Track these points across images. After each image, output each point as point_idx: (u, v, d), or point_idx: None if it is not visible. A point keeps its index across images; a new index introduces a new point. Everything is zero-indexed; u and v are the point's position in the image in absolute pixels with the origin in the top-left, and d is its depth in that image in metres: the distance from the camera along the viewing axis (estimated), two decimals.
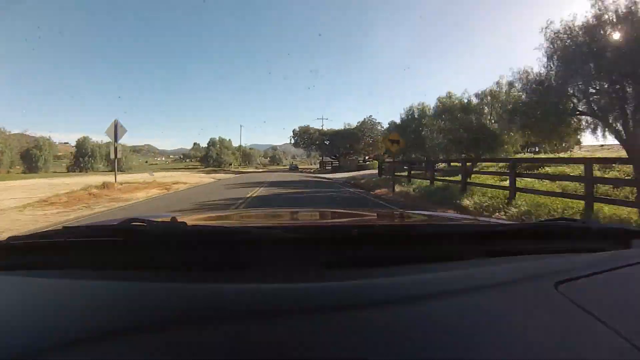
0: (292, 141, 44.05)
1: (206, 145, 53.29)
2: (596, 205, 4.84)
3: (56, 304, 0.51)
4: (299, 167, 55.67)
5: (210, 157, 49.05)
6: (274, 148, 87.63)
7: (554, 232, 0.76)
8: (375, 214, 1.60)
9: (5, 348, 0.40)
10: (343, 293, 0.50)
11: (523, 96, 7.99)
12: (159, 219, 0.72)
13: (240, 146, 58.43)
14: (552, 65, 6.92)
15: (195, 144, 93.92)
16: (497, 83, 10.56)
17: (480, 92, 11.32)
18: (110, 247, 0.65)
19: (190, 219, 1.04)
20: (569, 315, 0.46)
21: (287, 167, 57.90)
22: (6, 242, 0.66)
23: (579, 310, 0.47)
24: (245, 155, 63.01)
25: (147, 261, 0.62)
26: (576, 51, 6.41)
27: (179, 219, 0.76)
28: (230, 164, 46.71)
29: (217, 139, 51.85)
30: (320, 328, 0.42)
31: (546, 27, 6.78)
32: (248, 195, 9.98)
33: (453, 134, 10.96)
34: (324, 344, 0.40)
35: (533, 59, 12.09)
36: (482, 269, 0.60)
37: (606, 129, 6.69)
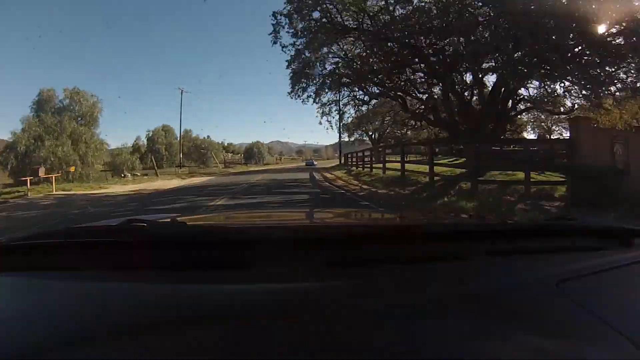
0: (293, 65, 10.38)
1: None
2: None
3: (56, 305, 0.51)
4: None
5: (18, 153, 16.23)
6: (258, 142, 63.72)
7: (555, 231, 0.77)
8: (376, 214, 1.71)
9: (5, 348, 0.40)
10: (343, 293, 0.51)
11: None
12: (160, 220, 0.69)
13: (181, 137, 32.06)
14: None
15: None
16: None
17: None
18: (110, 247, 0.64)
19: (190, 220, 1.00)
20: (569, 315, 0.48)
21: (269, 168, 33.08)
22: (6, 243, 0.66)
23: (579, 310, 0.48)
24: (197, 150, 35.75)
25: (147, 262, 0.61)
26: None
27: (180, 220, 0.74)
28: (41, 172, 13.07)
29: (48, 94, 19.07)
30: (321, 327, 0.43)
31: None
32: None
33: None
34: (324, 343, 0.40)
35: None
36: (482, 269, 0.62)
37: None
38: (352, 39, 9.74)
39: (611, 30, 7.02)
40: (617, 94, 8.09)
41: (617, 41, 7.12)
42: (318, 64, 10.22)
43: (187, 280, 0.57)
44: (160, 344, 0.40)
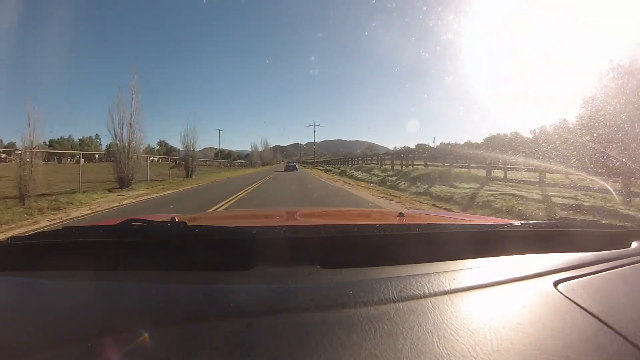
0: None
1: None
2: None
3: (56, 304, 0.50)
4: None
5: None
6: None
7: (554, 231, 0.77)
8: (376, 214, 1.73)
9: (5, 346, 0.40)
10: (342, 293, 0.50)
11: None
12: (159, 220, 0.70)
13: None
14: None
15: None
16: None
17: None
18: (110, 247, 0.64)
19: (190, 219, 0.97)
20: (568, 315, 0.47)
21: None
22: (7, 243, 0.64)
23: (578, 310, 0.48)
24: None
25: (146, 262, 0.62)
26: None
27: (179, 219, 0.74)
28: None
29: None
30: (318, 327, 0.43)
31: None
32: None
33: None
34: (322, 343, 0.40)
35: None
36: (481, 269, 0.62)
37: None
38: None
39: None
40: None
41: None
42: None
43: (187, 280, 0.58)
44: (159, 344, 0.41)
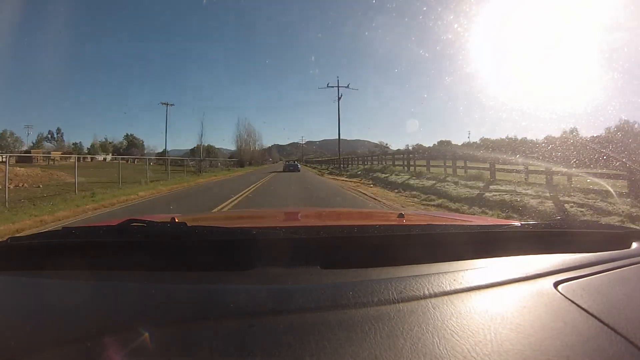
0: None
1: None
2: None
3: (56, 304, 0.51)
4: None
5: None
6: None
7: (554, 232, 0.77)
8: (376, 215, 1.73)
9: (5, 346, 0.40)
10: (342, 293, 0.51)
11: None
12: (159, 220, 0.70)
13: None
14: None
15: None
16: None
17: None
18: (110, 248, 0.64)
19: (190, 220, 0.98)
20: (568, 315, 0.48)
21: None
22: (7, 243, 0.64)
23: (578, 310, 0.48)
24: None
25: (146, 262, 0.62)
26: None
27: (179, 220, 0.74)
28: None
29: None
30: (318, 327, 0.43)
31: None
32: None
33: None
34: (322, 343, 0.41)
35: None
36: (482, 269, 0.62)
37: None
38: None
39: None
40: None
41: None
42: None
43: (187, 280, 0.58)
44: (159, 344, 0.41)
